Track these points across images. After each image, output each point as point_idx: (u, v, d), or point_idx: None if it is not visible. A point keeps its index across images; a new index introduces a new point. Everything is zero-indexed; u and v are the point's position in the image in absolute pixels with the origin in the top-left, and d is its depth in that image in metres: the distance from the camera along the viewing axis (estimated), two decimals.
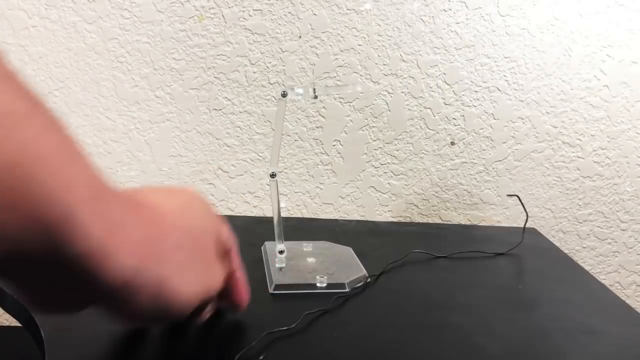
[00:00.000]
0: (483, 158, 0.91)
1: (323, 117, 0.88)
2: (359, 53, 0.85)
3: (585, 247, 0.96)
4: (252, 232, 0.81)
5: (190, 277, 0.30)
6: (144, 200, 0.29)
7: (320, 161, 0.90)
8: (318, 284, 0.62)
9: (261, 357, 0.48)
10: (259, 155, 0.89)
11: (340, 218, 0.92)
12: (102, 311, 0.27)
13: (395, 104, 0.88)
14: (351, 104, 0.87)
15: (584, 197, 0.93)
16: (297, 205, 0.92)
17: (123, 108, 0.86)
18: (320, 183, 0.91)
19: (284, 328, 0.52)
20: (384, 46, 0.85)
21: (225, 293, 0.44)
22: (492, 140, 0.90)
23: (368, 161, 0.90)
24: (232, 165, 0.89)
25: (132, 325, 0.29)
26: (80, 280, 0.23)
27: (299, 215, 0.92)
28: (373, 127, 0.88)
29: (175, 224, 0.30)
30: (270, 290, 0.61)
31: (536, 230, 0.91)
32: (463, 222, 0.94)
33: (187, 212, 0.33)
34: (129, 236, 0.25)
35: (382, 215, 0.93)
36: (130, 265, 0.25)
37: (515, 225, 0.92)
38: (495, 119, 0.89)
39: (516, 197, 0.88)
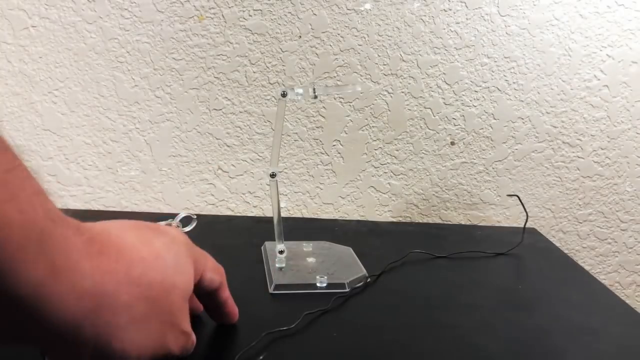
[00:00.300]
0: (483, 158, 0.91)
1: (323, 117, 0.88)
2: (359, 53, 0.85)
3: (585, 247, 0.96)
4: (252, 232, 0.81)
5: (141, 336, 0.27)
6: (111, 244, 0.27)
7: (320, 161, 0.90)
8: (318, 284, 0.62)
9: (261, 357, 0.48)
10: (259, 155, 0.89)
11: (340, 218, 0.92)
12: (44, 354, 0.26)
13: (395, 104, 0.88)
14: (351, 104, 0.87)
15: (584, 197, 0.93)
16: (297, 205, 0.92)
17: (123, 108, 0.86)
18: (320, 183, 0.91)
19: (284, 328, 0.52)
20: (384, 46, 0.85)
21: (218, 316, 0.46)
22: (492, 140, 0.90)
23: (368, 161, 0.90)
24: (232, 165, 0.89)
25: None
26: (18, 321, 0.22)
27: (299, 215, 0.92)
28: (373, 127, 0.88)
29: (136, 278, 0.27)
30: (270, 290, 0.61)
31: (536, 230, 0.91)
32: (463, 222, 0.94)
33: (159, 262, 0.30)
34: (76, 284, 0.23)
35: (382, 215, 0.93)
36: (72, 316, 0.23)
37: (515, 225, 0.92)
38: (495, 119, 0.89)
39: (516, 197, 0.88)
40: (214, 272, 0.40)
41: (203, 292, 0.39)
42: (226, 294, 0.44)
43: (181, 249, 0.33)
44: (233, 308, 0.47)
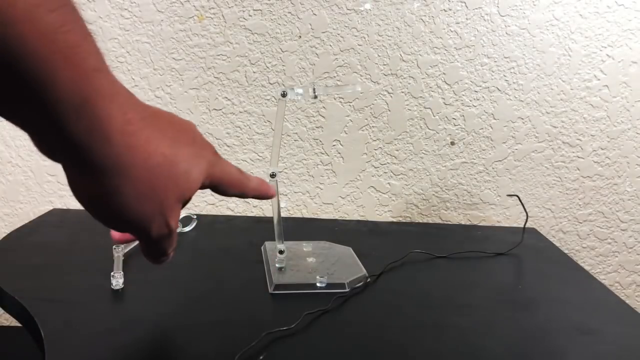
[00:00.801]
0: (483, 158, 0.91)
1: (323, 117, 0.88)
2: (359, 53, 0.85)
3: (585, 247, 0.96)
4: (252, 232, 0.81)
5: (134, 207, 0.33)
6: (145, 131, 0.33)
7: (320, 161, 0.90)
8: (318, 284, 0.62)
9: (261, 357, 0.48)
10: (259, 155, 0.89)
11: (340, 218, 0.92)
12: (65, 171, 0.32)
13: (395, 104, 0.88)
14: (351, 104, 0.87)
15: (584, 197, 0.93)
16: (297, 205, 0.92)
17: None
18: (320, 183, 0.91)
19: (284, 328, 0.52)
20: (384, 46, 0.85)
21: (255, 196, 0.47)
22: (492, 140, 0.90)
23: (368, 161, 0.90)
24: None
25: (76, 197, 0.34)
26: (64, 147, 0.29)
27: (299, 215, 0.92)
28: (373, 127, 0.88)
29: (150, 166, 0.33)
30: (270, 290, 0.61)
31: (536, 230, 0.91)
32: (463, 222, 0.94)
33: (173, 166, 0.35)
34: (104, 147, 0.30)
35: (382, 215, 0.93)
36: (97, 165, 0.30)
37: (515, 225, 0.92)
38: (495, 119, 0.89)
39: (516, 197, 0.88)
40: (230, 186, 0.43)
41: (222, 194, 0.44)
42: (250, 193, 0.46)
43: (201, 164, 0.39)
44: (265, 192, 0.48)
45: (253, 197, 0.47)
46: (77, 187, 0.32)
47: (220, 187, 0.42)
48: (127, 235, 0.42)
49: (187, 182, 0.37)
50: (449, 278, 0.69)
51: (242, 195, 0.45)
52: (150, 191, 0.34)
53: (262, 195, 0.47)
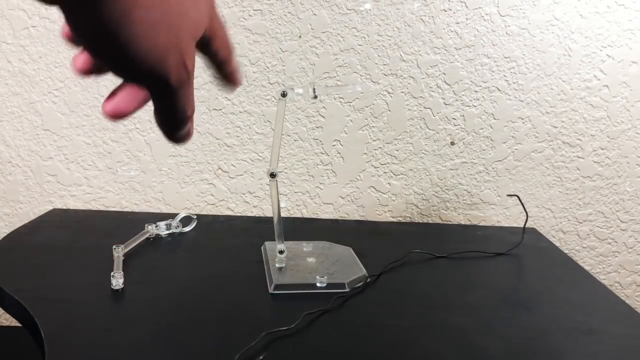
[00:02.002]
0: (483, 158, 0.91)
1: (323, 117, 0.88)
2: (359, 53, 0.85)
3: (585, 247, 0.96)
4: (252, 232, 0.81)
5: (146, 40, 0.31)
6: None
7: (320, 161, 0.90)
8: (318, 284, 0.62)
9: (261, 357, 0.48)
10: (259, 155, 0.89)
11: (340, 218, 0.92)
12: (64, 7, 0.29)
13: (395, 104, 0.88)
14: (351, 104, 0.87)
15: (584, 197, 0.93)
16: (297, 205, 0.92)
17: None
18: (320, 183, 0.91)
19: (284, 328, 0.52)
20: (384, 46, 0.85)
21: (223, 84, 0.43)
22: (492, 140, 0.90)
23: (368, 161, 0.90)
24: (232, 165, 0.89)
25: (77, 38, 0.32)
26: None
27: (299, 215, 0.92)
28: (373, 127, 0.88)
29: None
30: (270, 290, 0.61)
31: (536, 230, 0.91)
32: (463, 222, 0.94)
33: None
34: None
35: (382, 215, 0.93)
36: None
37: (515, 225, 0.92)
38: (495, 119, 0.89)
39: (516, 197, 0.88)
40: (222, 45, 0.41)
41: (209, 55, 0.41)
42: (231, 66, 0.42)
43: (204, 1, 0.37)
44: (236, 79, 0.45)
45: (226, 74, 0.43)
46: (81, 21, 0.29)
47: (215, 42, 0.40)
48: (89, 64, 0.37)
49: (197, 12, 0.35)
50: (449, 278, 0.69)
51: (223, 63, 0.42)
52: (165, 18, 0.32)
53: (234, 78, 0.43)
